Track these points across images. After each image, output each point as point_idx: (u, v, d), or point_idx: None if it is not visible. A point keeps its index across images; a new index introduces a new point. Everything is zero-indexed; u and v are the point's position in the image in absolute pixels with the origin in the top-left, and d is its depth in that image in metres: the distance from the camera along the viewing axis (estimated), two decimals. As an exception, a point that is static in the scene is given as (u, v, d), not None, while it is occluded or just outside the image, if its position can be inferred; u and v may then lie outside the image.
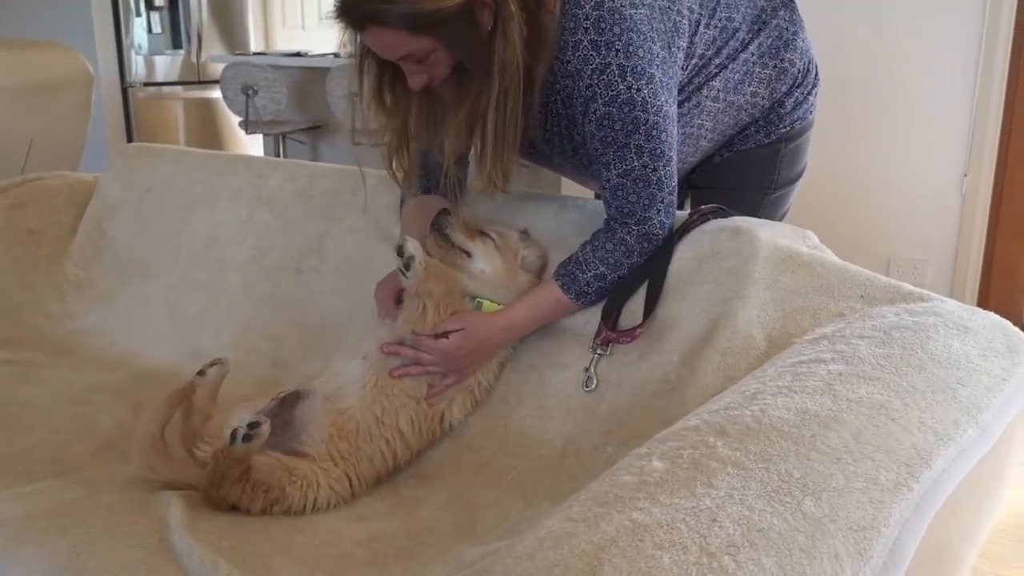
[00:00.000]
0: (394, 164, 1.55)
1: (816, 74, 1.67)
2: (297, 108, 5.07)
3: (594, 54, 1.34)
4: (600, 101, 1.36)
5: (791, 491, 0.78)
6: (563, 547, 0.75)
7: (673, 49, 1.42)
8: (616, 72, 1.34)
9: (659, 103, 1.37)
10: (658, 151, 1.39)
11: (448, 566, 1.09)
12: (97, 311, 2.08)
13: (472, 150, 1.47)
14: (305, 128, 5.07)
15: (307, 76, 5.00)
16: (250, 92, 4.75)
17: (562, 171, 1.63)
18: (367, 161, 1.83)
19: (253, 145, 5.72)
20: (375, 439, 1.41)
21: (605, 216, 1.46)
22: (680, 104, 1.48)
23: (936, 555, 0.87)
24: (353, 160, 1.87)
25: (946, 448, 0.91)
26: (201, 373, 1.48)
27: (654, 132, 1.37)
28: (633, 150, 1.37)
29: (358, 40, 1.40)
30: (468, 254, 1.50)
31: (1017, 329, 1.27)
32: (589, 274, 1.44)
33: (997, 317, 1.29)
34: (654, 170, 1.39)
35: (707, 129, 1.57)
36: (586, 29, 1.33)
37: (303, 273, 1.87)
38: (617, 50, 1.33)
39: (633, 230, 1.42)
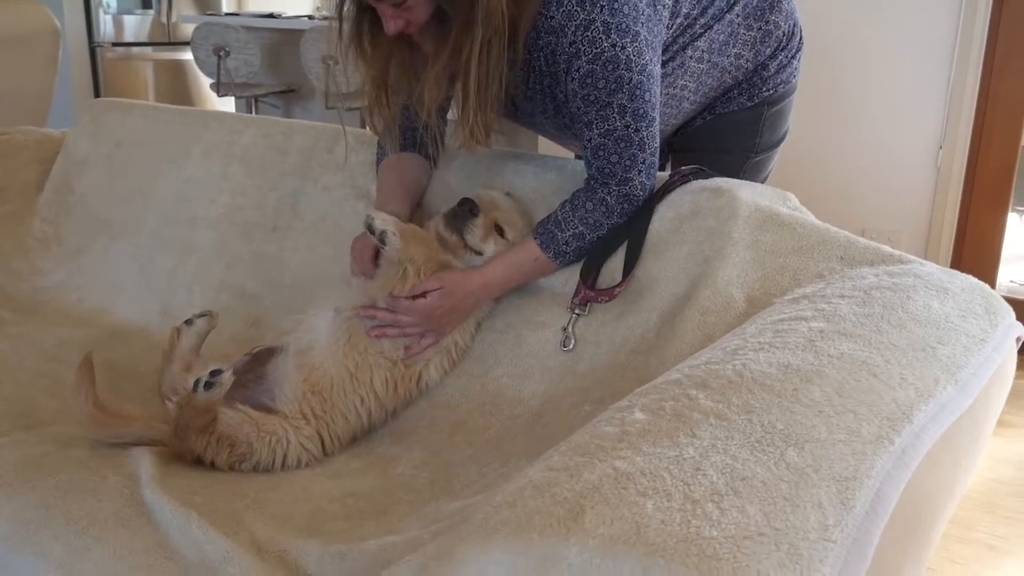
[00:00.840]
0: (374, 117, 1.51)
1: (800, 38, 1.66)
2: (270, 71, 4.99)
3: (578, 9, 1.31)
4: (584, 58, 1.33)
5: (774, 441, 0.77)
6: (544, 495, 0.74)
7: (658, 7, 1.39)
8: (600, 29, 1.31)
9: (643, 62, 1.35)
10: (641, 111, 1.37)
11: (424, 520, 1.08)
12: (65, 268, 2.03)
13: (453, 104, 1.44)
14: (278, 91, 5.00)
15: (281, 38, 4.92)
16: (222, 54, 4.66)
17: (543, 131, 1.61)
18: (338, 123, 1.81)
19: (224, 108, 5.62)
20: (349, 396, 1.39)
21: (586, 176, 1.44)
22: (664, 64, 1.46)
23: (916, 508, 0.86)
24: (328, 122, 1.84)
25: (926, 404, 0.91)
26: (188, 322, 1.45)
27: (637, 91, 1.35)
28: (616, 109, 1.35)
29: None
30: (479, 254, 1.47)
31: (995, 292, 1.28)
32: (568, 233, 1.42)
33: (975, 280, 1.30)
34: (636, 130, 1.37)
35: (690, 91, 1.55)
36: None
37: (278, 231, 1.84)
38: (602, 6, 1.31)
39: (614, 190, 1.41)
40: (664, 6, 1.41)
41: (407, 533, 1.02)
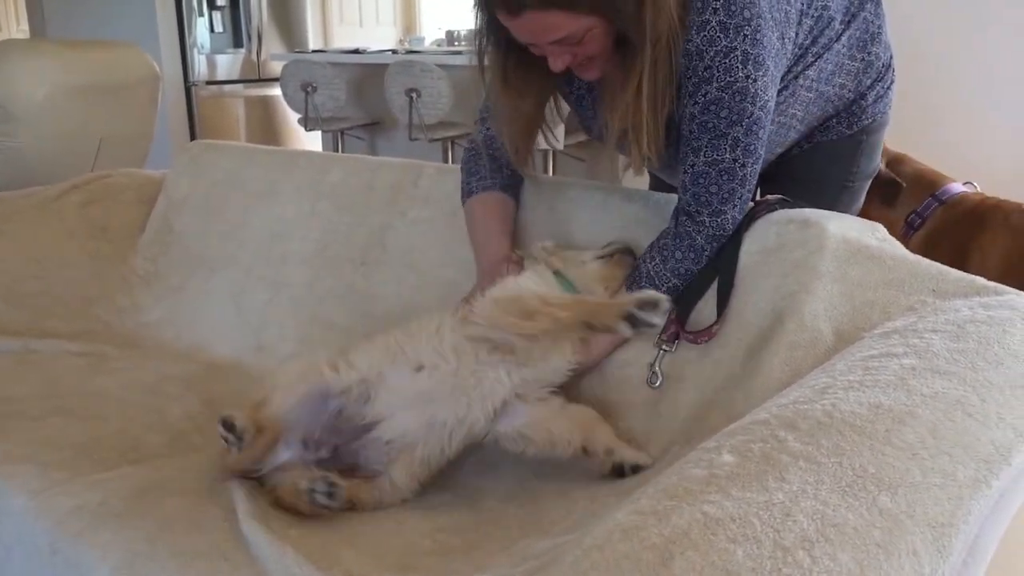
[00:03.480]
0: (512, 147, 1.54)
1: (893, 70, 1.64)
2: (355, 105, 5.12)
3: (721, 36, 1.30)
4: (715, 84, 1.32)
5: (866, 486, 0.76)
6: (633, 540, 0.75)
7: (785, 40, 1.40)
8: (739, 58, 1.31)
9: (767, 98, 1.35)
10: (752, 147, 1.36)
11: (514, 557, 1.09)
12: (164, 304, 2.12)
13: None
14: (363, 124, 5.12)
15: (365, 73, 5.05)
16: (309, 89, 4.81)
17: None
18: (424, 155, 1.86)
19: (312, 142, 5.79)
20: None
21: (675, 207, 1.44)
22: (778, 93, 1.46)
23: (1013, 555, 0.84)
24: (410, 155, 1.89)
25: (1026, 445, 0.89)
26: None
27: (754, 127, 1.35)
28: (729, 141, 1.35)
29: (480, 27, 1.40)
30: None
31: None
32: (663, 289, 1.42)
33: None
34: (743, 165, 1.37)
35: (797, 119, 1.55)
36: (715, 10, 1.30)
37: (367, 265, 1.89)
38: (745, 35, 1.30)
39: (705, 223, 1.40)
40: (789, 39, 1.41)
41: (498, 570, 1.04)
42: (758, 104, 1.33)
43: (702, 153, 1.36)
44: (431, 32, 6.77)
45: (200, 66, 5.92)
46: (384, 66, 4.56)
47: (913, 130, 3.05)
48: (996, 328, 1.12)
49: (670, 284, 1.43)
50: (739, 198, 1.39)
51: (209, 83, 5.95)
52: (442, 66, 4.38)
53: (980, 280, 1.30)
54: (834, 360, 1.11)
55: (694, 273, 1.43)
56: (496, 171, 1.63)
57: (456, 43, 5.21)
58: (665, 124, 1.37)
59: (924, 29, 3.04)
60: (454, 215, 1.76)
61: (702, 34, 1.31)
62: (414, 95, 4.40)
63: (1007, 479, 0.83)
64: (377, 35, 6.92)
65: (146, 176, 2.43)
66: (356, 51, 5.21)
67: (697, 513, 0.75)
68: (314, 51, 5.73)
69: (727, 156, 1.35)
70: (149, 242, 2.24)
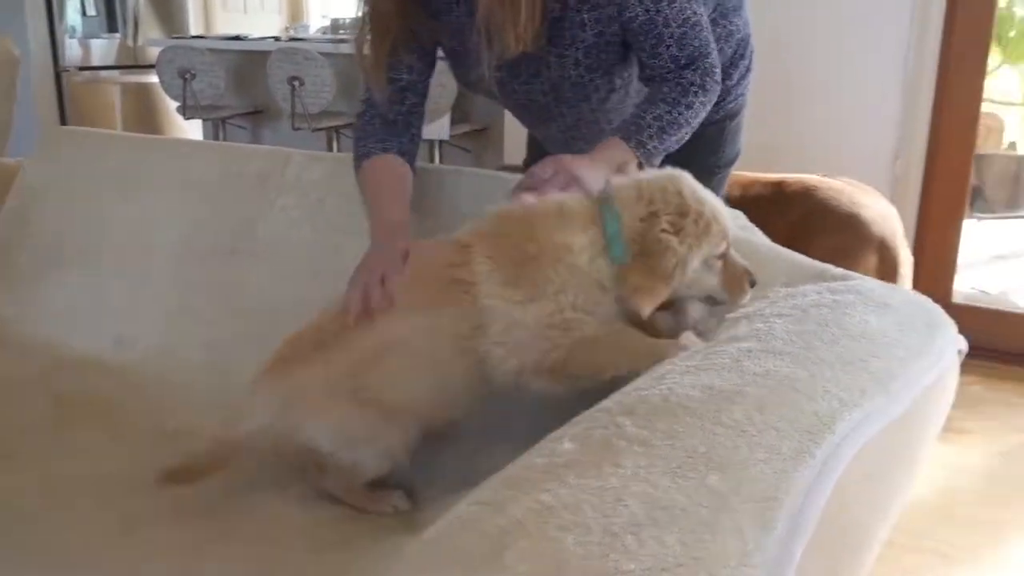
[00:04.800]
0: (369, 51, 1.51)
1: (752, 50, 1.68)
2: (236, 93, 4.98)
3: None
4: None
5: (696, 466, 0.78)
6: (469, 531, 0.75)
7: None
8: None
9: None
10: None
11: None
12: (19, 297, 2.02)
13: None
14: (245, 113, 4.99)
15: (247, 60, 4.92)
16: (187, 76, 4.65)
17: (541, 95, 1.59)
18: (307, 145, 1.81)
19: (192, 130, 5.61)
20: None
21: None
22: None
23: (843, 526, 0.88)
24: (294, 145, 1.85)
25: (851, 413, 0.92)
26: None
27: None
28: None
29: None
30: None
31: (938, 307, 1.30)
32: (649, 116, 1.43)
33: (918, 295, 1.31)
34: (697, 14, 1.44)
35: None
36: None
37: (236, 255, 1.84)
38: None
39: (707, 68, 1.45)
40: None
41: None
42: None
43: (672, 22, 1.41)
44: (318, 21, 6.64)
45: (72, 51, 5.65)
46: (266, 54, 4.45)
47: (771, 119, 3.18)
48: (837, 311, 1.16)
49: (655, 112, 1.43)
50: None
51: (82, 68, 5.69)
52: (325, 54, 4.30)
53: (832, 268, 1.36)
54: (683, 347, 1.14)
55: (679, 102, 1.44)
56: (392, 134, 1.59)
57: (341, 31, 5.12)
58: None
59: (781, 22, 3.15)
60: (323, 203, 1.74)
61: None
62: (297, 83, 4.30)
63: (829, 447, 0.86)
64: (262, 22, 6.73)
65: (0, 164, 2.31)
66: (237, 37, 5.07)
67: (532, 502, 0.75)
68: (193, 37, 5.54)
69: (692, 12, 1.42)
70: (2, 232, 2.13)
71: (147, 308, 1.88)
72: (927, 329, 1.20)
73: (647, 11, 1.41)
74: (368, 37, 1.50)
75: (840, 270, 1.34)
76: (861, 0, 3.05)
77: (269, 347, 1.70)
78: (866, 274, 1.37)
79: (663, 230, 1.18)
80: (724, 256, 1.24)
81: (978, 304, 3.57)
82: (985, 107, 3.89)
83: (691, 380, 0.94)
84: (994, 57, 3.85)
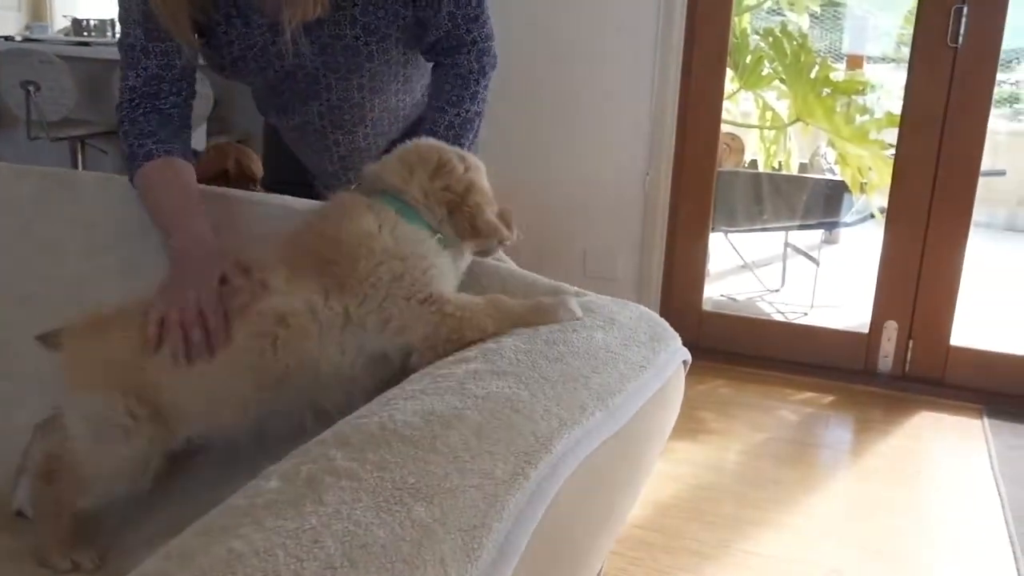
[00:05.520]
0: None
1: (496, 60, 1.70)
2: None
3: None
4: None
5: (403, 499, 0.75)
6: (151, 587, 0.67)
7: None
8: None
9: None
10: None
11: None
12: None
13: None
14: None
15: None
16: None
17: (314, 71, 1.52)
18: (47, 155, 1.61)
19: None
20: None
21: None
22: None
23: (558, 545, 0.87)
24: (32, 158, 1.64)
25: (570, 432, 0.93)
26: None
27: None
28: None
29: None
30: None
31: (663, 321, 1.35)
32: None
33: (646, 309, 1.36)
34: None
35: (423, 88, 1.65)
36: None
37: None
38: None
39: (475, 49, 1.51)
40: None
41: None
42: None
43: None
44: (61, 21, 6.12)
45: None
46: (-4, 54, 4.03)
47: (527, 142, 3.27)
48: (566, 329, 1.18)
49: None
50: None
51: None
52: (65, 57, 3.96)
53: (565, 286, 1.38)
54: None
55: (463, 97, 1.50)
56: (171, 134, 1.41)
57: (86, 32, 4.74)
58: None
59: (540, 43, 3.25)
60: (34, 222, 1.56)
61: None
62: (32, 88, 3.93)
63: (546, 467, 0.86)
64: (-2, 20, 6.12)
65: None
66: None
67: (223, 550, 0.69)
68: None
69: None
70: None
71: None
72: (651, 343, 1.24)
73: None
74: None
75: (573, 288, 1.36)
76: (613, 24, 3.19)
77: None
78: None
79: (451, 184, 1.22)
80: None
81: (726, 312, 3.84)
82: (727, 128, 4.22)
83: (413, 406, 0.91)
84: (734, 83, 4.18)
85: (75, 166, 4.17)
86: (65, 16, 5.39)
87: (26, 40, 4.55)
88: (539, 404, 0.95)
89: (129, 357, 1.16)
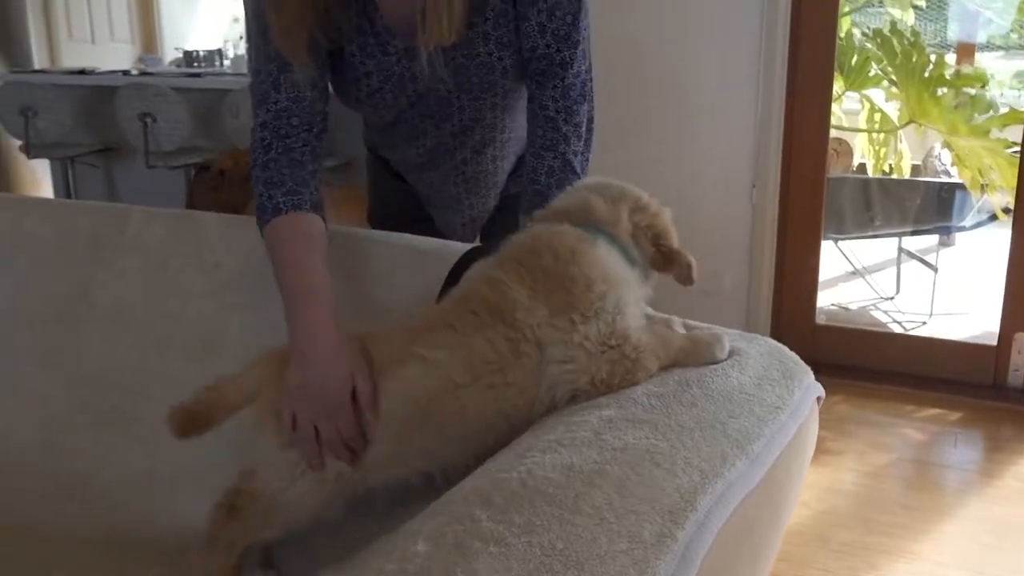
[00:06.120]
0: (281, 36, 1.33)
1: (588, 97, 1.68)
2: (85, 129, 4.71)
3: None
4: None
5: (553, 567, 0.74)
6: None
7: None
8: None
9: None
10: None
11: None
12: None
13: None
14: (96, 151, 4.72)
15: (95, 95, 4.66)
16: (29, 113, 4.38)
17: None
18: (165, 183, 1.67)
19: (40, 170, 5.28)
20: None
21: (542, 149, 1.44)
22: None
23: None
24: (150, 185, 1.70)
25: (712, 485, 0.90)
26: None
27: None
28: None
29: None
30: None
31: (793, 354, 1.30)
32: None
33: (774, 343, 1.31)
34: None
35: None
36: None
37: (66, 321, 1.69)
38: None
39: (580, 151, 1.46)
40: None
41: None
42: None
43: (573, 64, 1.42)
44: (171, 52, 6.39)
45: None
46: (115, 88, 4.23)
47: (632, 159, 3.23)
48: (698, 369, 1.15)
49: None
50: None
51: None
52: (179, 89, 4.12)
53: (688, 321, 1.34)
54: (547, 416, 1.09)
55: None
56: (301, 181, 1.36)
57: (196, 64, 4.93)
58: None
59: (642, 60, 3.21)
60: (165, 265, 1.62)
61: None
62: (149, 120, 4.10)
63: (692, 526, 0.84)
64: (112, 53, 6.43)
65: None
66: (83, 72, 4.80)
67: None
68: (35, 71, 5.23)
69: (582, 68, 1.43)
70: None
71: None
72: (784, 380, 1.20)
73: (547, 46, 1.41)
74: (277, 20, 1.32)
75: (693, 322, 1.33)
76: (714, 37, 3.13)
77: (107, 422, 1.60)
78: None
79: (651, 221, 1.25)
80: None
81: (841, 324, 3.71)
82: (834, 133, 4.09)
83: (552, 459, 0.90)
84: (839, 85, 4.04)
85: (190, 192, 4.34)
86: (177, 49, 5.62)
87: (141, 73, 4.76)
88: (679, 455, 0.92)
89: None
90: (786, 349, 1.30)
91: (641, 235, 1.23)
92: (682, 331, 1.23)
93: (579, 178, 1.44)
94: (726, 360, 1.18)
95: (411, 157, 1.67)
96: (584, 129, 1.48)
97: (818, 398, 1.28)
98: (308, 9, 1.32)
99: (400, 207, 1.81)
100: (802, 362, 1.28)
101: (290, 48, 1.34)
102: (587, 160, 1.52)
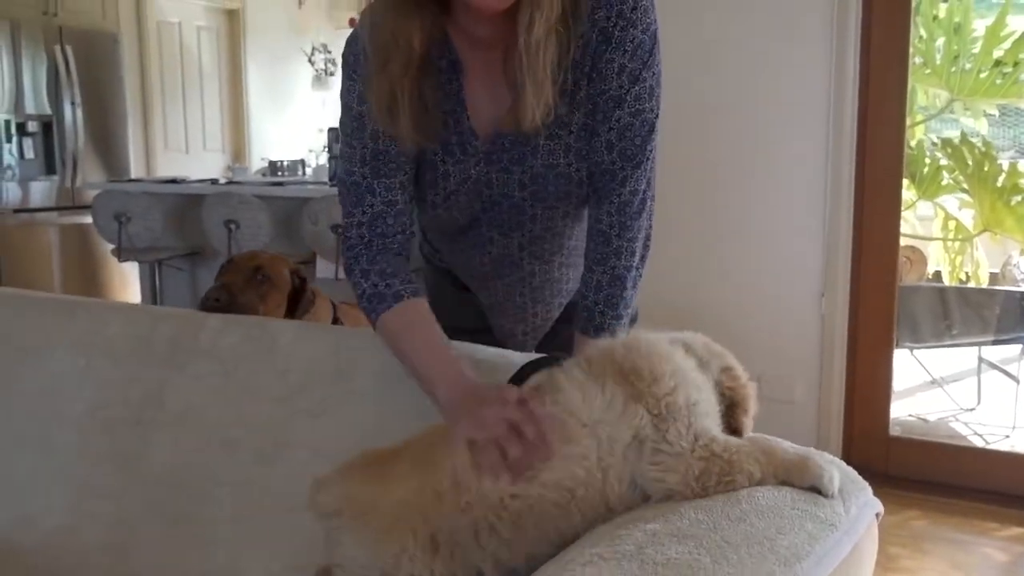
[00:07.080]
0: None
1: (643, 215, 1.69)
2: (174, 234, 4.97)
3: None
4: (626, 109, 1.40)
5: None
6: None
7: None
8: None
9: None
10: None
11: None
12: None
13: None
14: (183, 255, 4.97)
15: (184, 202, 4.93)
16: (123, 220, 4.64)
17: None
18: None
19: (131, 271, 5.56)
20: None
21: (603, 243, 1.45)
22: None
23: None
24: None
25: (757, 609, 0.89)
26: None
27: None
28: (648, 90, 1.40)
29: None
30: None
31: (850, 468, 1.27)
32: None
33: (831, 456, 1.29)
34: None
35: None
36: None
37: (142, 425, 1.77)
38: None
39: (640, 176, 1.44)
40: None
41: None
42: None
43: (625, 104, 1.39)
44: (259, 162, 6.73)
45: (9, 193, 5.63)
46: (202, 196, 4.47)
47: (697, 270, 3.24)
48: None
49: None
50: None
51: (17, 211, 5.66)
52: (261, 197, 4.33)
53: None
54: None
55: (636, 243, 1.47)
56: (407, 271, 1.43)
57: (279, 172, 5.19)
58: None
59: (705, 172, 3.25)
60: (237, 369, 1.69)
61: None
62: (233, 226, 4.31)
63: (738, 653, 0.82)
64: (205, 162, 6.81)
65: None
66: (173, 180, 5.10)
67: None
68: (129, 180, 5.56)
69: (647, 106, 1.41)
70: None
71: (52, 483, 1.78)
72: (839, 495, 1.17)
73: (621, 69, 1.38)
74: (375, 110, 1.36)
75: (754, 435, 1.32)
76: (780, 148, 3.17)
77: (174, 522, 1.64)
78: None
79: (735, 387, 1.22)
80: None
81: (916, 436, 3.59)
82: (907, 241, 4.05)
83: (592, 572, 0.90)
84: (911, 194, 4.02)
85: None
86: (263, 159, 5.93)
87: (229, 182, 5.03)
88: (721, 571, 0.91)
89: (418, 499, 1.11)
90: (843, 463, 1.28)
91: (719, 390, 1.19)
92: (837, 475, 1.16)
93: (628, 292, 1.46)
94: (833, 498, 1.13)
95: (475, 266, 1.68)
96: (639, 245, 1.48)
97: (877, 514, 1.25)
98: (417, 113, 1.36)
99: (461, 318, 1.82)
100: (859, 477, 1.25)
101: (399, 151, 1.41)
102: (640, 275, 1.51)
